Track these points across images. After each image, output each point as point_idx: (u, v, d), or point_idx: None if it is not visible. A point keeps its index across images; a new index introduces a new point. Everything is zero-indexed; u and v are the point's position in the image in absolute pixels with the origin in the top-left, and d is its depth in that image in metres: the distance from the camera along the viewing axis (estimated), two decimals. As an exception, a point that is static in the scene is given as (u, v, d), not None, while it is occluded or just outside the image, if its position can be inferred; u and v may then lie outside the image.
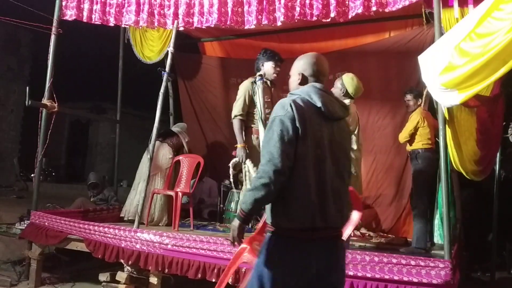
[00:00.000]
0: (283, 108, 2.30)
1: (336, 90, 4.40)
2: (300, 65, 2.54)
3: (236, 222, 2.39)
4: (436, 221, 5.42)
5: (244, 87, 4.89)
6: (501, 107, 5.02)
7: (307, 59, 2.54)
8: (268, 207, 2.34)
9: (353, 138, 4.23)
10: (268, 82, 4.91)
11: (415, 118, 4.92)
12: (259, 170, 2.27)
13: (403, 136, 4.97)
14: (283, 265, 2.26)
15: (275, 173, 2.21)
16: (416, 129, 4.88)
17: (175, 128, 6.41)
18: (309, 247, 2.28)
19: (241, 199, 2.32)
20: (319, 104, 2.35)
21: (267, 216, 2.38)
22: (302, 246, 2.27)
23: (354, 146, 4.23)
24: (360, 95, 4.50)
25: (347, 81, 4.34)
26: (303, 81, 2.50)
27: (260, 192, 2.23)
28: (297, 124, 2.26)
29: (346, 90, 4.32)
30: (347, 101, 4.29)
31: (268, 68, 4.81)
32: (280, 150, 2.22)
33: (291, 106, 2.29)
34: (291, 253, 2.27)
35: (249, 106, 4.86)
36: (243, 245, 2.71)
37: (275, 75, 4.83)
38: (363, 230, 5.58)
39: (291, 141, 2.25)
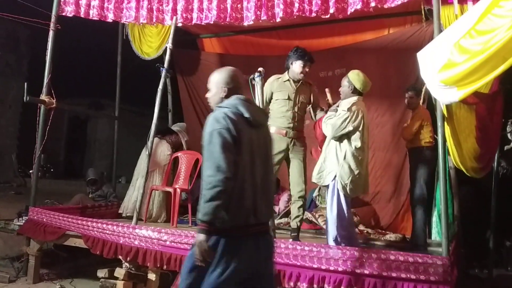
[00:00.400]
0: (218, 122, 2.52)
1: (344, 88, 4.34)
2: (222, 79, 2.75)
3: (201, 237, 2.45)
4: (434, 218, 5.45)
5: (266, 84, 4.79)
6: (500, 104, 5.02)
7: (227, 73, 2.78)
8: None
9: (357, 134, 4.18)
10: (291, 81, 4.68)
11: (420, 115, 4.91)
12: (210, 181, 2.42)
13: (409, 133, 4.93)
14: (224, 262, 2.47)
15: (226, 180, 2.41)
16: (421, 126, 4.88)
17: (174, 128, 6.43)
18: (244, 242, 2.53)
19: (200, 214, 2.44)
20: (246, 114, 2.61)
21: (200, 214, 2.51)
22: (238, 242, 2.52)
23: (358, 144, 4.18)
24: (368, 90, 4.45)
25: (353, 78, 4.28)
26: (228, 94, 2.72)
27: (219, 200, 2.40)
28: (234, 134, 2.50)
29: (354, 87, 4.27)
30: (355, 98, 4.26)
31: (296, 67, 4.64)
32: (226, 159, 2.43)
33: (225, 119, 2.52)
34: (231, 249, 2.48)
35: (269, 103, 4.76)
36: None
37: (302, 74, 4.63)
38: (361, 227, 5.58)
39: (232, 150, 2.48)
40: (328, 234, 4.24)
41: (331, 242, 4.15)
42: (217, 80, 2.77)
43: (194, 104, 7.66)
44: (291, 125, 4.61)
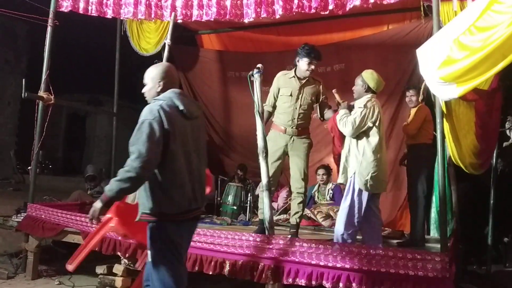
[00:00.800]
0: (151, 113, 2.68)
1: (357, 87, 4.32)
2: (158, 74, 2.90)
3: (98, 204, 2.71)
4: (433, 215, 5.45)
5: (275, 79, 4.79)
6: (499, 101, 5.02)
7: (163, 68, 2.96)
8: (148, 199, 2.73)
9: (374, 130, 4.16)
10: (296, 78, 4.65)
11: (422, 112, 4.89)
12: (128, 164, 2.60)
13: (412, 129, 4.91)
14: (170, 245, 2.74)
15: (142, 169, 2.57)
16: (424, 122, 4.87)
17: None
18: (184, 225, 2.82)
19: (108, 186, 2.67)
20: (181, 107, 2.78)
21: (144, 206, 2.75)
22: (180, 226, 2.79)
23: (375, 139, 4.13)
24: (382, 90, 4.43)
25: (367, 77, 4.27)
26: (164, 88, 2.87)
27: (127, 184, 2.60)
28: (166, 126, 2.66)
29: (368, 86, 4.26)
30: (369, 96, 4.24)
31: (302, 64, 4.59)
32: (148, 149, 2.58)
33: (159, 111, 2.68)
34: (173, 233, 2.75)
35: (276, 98, 4.73)
36: (108, 215, 3.07)
37: (308, 72, 4.58)
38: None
39: (159, 142, 2.63)
40: (336, 230, 4.25)
41: (337, 239, 4.17)
42: (153, 75, 2.92)
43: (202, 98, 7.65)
44: (291, 122, 4.59)
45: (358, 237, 4.38)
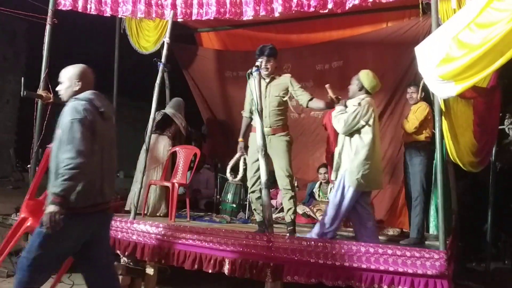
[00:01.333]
0: (78, 112, 2.88)
1: (353, 86, 4.38)
2: (75, 74, 3.09)
3: (54, 208, 2.76)
4: (432, 212, 5.46)
5: (247, 85, 4.82)
6: (498, 98, 5.01)
7: (80, 69, 3.13)
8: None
9: (367, 128, 4.19)
10: (262, 79, 4.65)
11: (424, 109, 4.89)
12: (70, 162, 2.78)
13: (412, 126, 4.91)
14: (71, 234, 2.92)
15: (84, 164, 2.80)
16: (425, 119, 4.86)
17: (169, 110, 6.20)
18: (91, 217, 3.00)
19: (56, 187, 2.80)
20: (102, 108, 3.02)
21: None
22: (85, 218, 2.97)
23: (368, 138, 4.17)
24: (377, 91, 4.45)
25: (363, 76, 4.32)
26: (81, 88, 3.07)
27: (76, 180, 2.80)
28: (91, 125, 2.89)
29: (362, 85, 4.31)
30: (362, 96, 4.28)
31: (259, 65, 4.61)
32: (85, 146, 2.82)
33: (84, 110, 2.89)
34: (79, 223, 2.94)
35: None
36: (22, 215, 3.31)
37: (264, 69, 4.60)
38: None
39: (89, 139, 2.86)
40: (320, 223, 4.33)
41: (317, 233, 4.23)
42: (70, 75, 3.10)
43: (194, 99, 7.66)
44: (266, 121, 4.58)
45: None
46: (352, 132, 4.22)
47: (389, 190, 6.23)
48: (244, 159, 4.85)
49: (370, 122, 4.18)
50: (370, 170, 4.17)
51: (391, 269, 3.61)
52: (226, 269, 4.09)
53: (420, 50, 3.46)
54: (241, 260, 4.03)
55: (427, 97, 4.69)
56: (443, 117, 3.88)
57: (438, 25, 3.81)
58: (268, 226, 4.08)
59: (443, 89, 3.25)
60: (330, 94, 4.50)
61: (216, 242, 4.21)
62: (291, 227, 4.56)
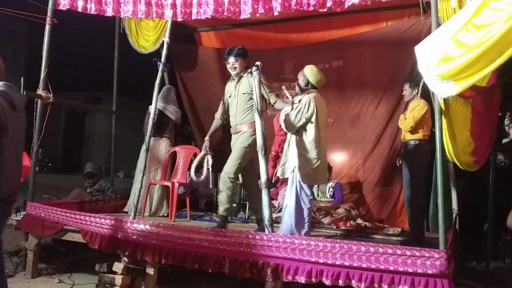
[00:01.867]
0: None
1: (299, 82, 4.50)
2: None
3: None
4: (431, 211, 5.46)
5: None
6: (497, 97, 5.02)
7: None
8: None
9: (310, 125, 4.28)
10: (233, 80, 4.92)
11: (421, 107, 4.88)
12: None
13: (408, 126, 4.91)
14: None
15: None
16: (423, 117, 4.86)
17: (159, 105, 5.84)
18: (5, 209, 3.09)
19: None
20: (14, 101, 2.99)
21: None
22: (4, 209, 3.07)
23: (312, 134, 4.26)
24: (323, 84, 4.53)
25: (307, 72, 4.45)
26: None
27: None
28: (3, 119, 2.85)
29: (308, 81, 4.40)
30: (306, 92, 4.40)
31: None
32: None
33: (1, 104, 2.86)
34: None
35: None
36: None
37: (231, 70, 4.84)
38: (359, 221, 5.59)
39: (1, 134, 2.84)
40: (282, 222, 4.40)
41: (283, 230, 4.28)
42: None
43: (194, 98, 7.64)
44: (234, 120, 4.80)
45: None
46: (299, 129, 4.32)
47: (389, 190, 6.23)
48: (208, 159, 4.98)
49: (313, 119, 4.28)
50: (318, 165, 4.28)
51: (391, 268, 3.60)
52: (226, 268, 4.09)
53: (420, 50, 3.47)
54: (241, 259, 4.03)
55: (427, 95, 4.68)
56: (442, 116, 3.87)
57: (438, 24, 3.81)
58: (269, 226, 4.08)
59: (443, 89, 3.26)
60: (287, 94, 4.61)
61: (216, 241, 4.20)
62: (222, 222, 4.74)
